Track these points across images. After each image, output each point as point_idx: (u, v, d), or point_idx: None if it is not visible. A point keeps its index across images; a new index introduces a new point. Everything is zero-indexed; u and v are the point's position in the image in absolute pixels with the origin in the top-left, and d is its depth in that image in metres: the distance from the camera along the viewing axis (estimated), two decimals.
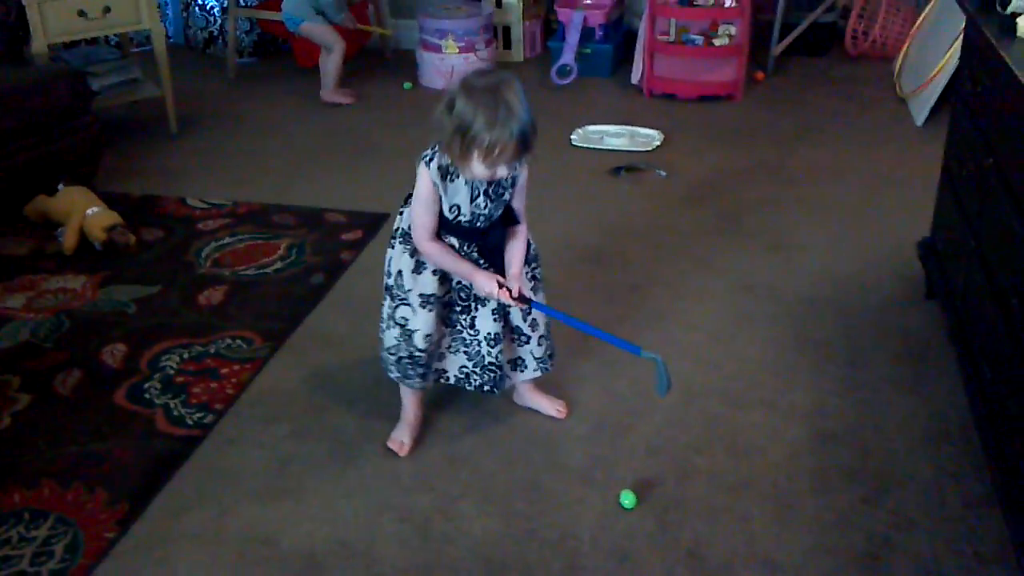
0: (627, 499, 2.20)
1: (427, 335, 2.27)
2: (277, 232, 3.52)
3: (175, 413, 2.54)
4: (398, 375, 2.37)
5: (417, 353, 2.30)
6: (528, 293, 2.22)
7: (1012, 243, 2.10)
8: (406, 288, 2.24)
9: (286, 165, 4.17)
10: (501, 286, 2.16)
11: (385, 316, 2.33)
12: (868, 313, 2.94)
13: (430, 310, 2.25)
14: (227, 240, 3.47)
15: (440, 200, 2.14)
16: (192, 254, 3.37)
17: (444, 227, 2.19)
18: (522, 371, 2.43)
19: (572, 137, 4.31)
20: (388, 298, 2.30)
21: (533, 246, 2.33)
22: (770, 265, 3.24)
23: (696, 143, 4.31)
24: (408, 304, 2.25)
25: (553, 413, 2.51)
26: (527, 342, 2.38)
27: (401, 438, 2.41)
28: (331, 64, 4.79)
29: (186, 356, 2.79)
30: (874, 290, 3.07)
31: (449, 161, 2.06)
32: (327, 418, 2.53)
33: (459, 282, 2.25)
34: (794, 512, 2.18)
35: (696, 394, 2.59)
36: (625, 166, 4.00)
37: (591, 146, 4.25)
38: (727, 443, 2.41)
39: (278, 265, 3.28)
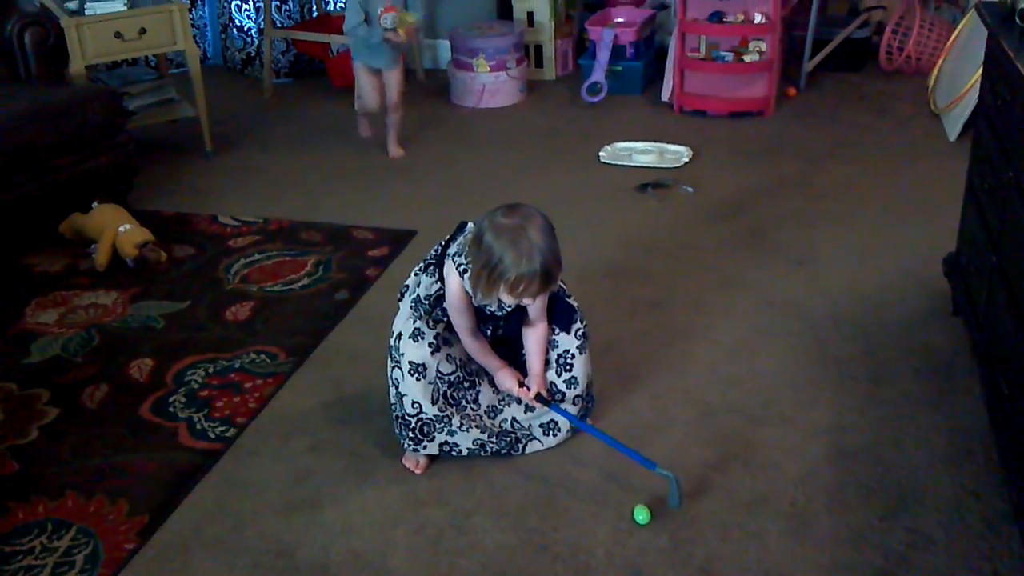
0: (641, 515, 2.19)
1: (415, 402, 2.30)
2: (305, 249, 3.56)
3: (198, 426, 2.58)
4: (397, 433, 2.40)
5: (408, 415, 2.32)
6: (545, 394, 2.36)
7: None
8: (400, 351, 2.29)
9: (317, 183, 4.23)
10: (522, 384, 2.32)
11: (388, 373, 2.38)
12: (892, 329, 2.91)
13: (418, 379, 2.27)
14: (256, 257, 3.52)
15: (471, 300, 2.23)
16: (221, 270, 3.43)
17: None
18: (554, 435, 2.45)
19: (600, 154, 4.32)
20: (389, 356, 2.36)
21: (579, 315, 2.41)
22: (795, 281, 3.22)
23: (725, 159, 4.30)
24: (400, 368, 2.29)
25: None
26: (561, 400, 2.42)
27: (417, 456, 2.43)
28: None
29: (211, 371, 2.83)
30: (899, 306, 3.04)
31: (473, 288, 2.16)
32: (346, 433, 2.55)
33: (461, 358, 2.34)
34: (810, 529, 2.16)
35: (715, 410, 2.58)
36: (653, 183, 4.01)
37: (619, 163, 4.26)
38: (744, 459, 2.39)
39: (305, 281, 3.32)
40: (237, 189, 4.18)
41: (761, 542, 2.13)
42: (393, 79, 4.36)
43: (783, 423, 2.52)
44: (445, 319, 2.31)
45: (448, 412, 2.33)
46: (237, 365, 2.85)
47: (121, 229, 3.44)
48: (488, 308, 2.27)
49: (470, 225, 2.26)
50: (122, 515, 2.27)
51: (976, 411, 2.51)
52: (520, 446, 2.43)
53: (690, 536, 2.15)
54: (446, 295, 2.25)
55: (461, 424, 2.35)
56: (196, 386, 2.76)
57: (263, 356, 2.89)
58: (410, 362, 2.27)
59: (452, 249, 2.24)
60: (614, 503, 2.26)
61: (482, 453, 2.41)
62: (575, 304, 2.41)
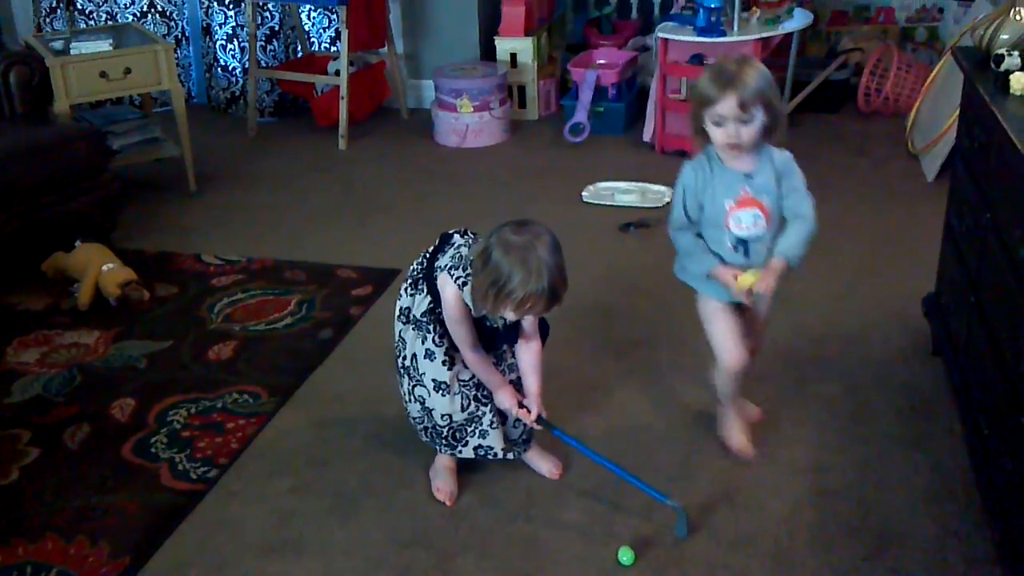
0: (625, 556, 2.19)
1: (444, 415, 2.34)
2: (288, 288, 3.56)
3: (180, 467, 2.57)
4: (427, 440, 2.44)
5: (440, 425, 2.36)
6: (545, 414, 2.36)
7: (1008, 298, 2.11)
8: (420, 371, 2.32)
9: (300, 222, 4.23)
10: (522, 406, 2.32)
11: (405, 392, 2.39)
12: (873, 368, 2.93)
13: (443, 395, 2.31)
14: (239, 296, 3.51)
15: (470, 312, 2.22)
16: (205, 310, 3.42)
17: None
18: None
19: (583, 193, 4.34)
20: (406, 376, 2.37)
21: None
22: (776, 320, 3.22)
23: None
24: (423, 386, 2.32)
25: (546, 473, 2.51)
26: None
27: (449, 488, 2.43)
28: None
29: (193, 410, 2.82)
30: (880, 345, 3.06)
31: (477, 303, 2.16)
32: (329, 473, 2.54)
33: None
34: (794, 568, 2.16)
35: (698, 449, 2.59)
36: (635, 222, 4.03)
37: (602, 202, 4.29)
38: (728, 498, 2.40)
39: (288, 320, 3.32)
40: (220, 228, 4.18)
41: None
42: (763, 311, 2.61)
43: (766, 462, 2.52)
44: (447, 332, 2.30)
45: (480, 411, 2.35)
46: (219, 405, 2.84)
47: (104, 268, 3.43)
48: (486, 321, 2.26)
49: (457, 237, 2.26)
50: (103, 557, 2.25)
51: (957, 450, 2.52)
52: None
53: None
54: (443, 308, 2.23)
55: (492, 423, 2.37)
56: (178, 426, 2.74)
57: (245, 396, 2.88)
58: (433, 380, 2.30)
59: (443, 262, 2.23)
60: (599, 543, 2.26)
61: (514, 452, 2.46)
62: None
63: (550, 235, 2.12)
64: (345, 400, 2.86)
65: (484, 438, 2.38)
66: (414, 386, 2.35)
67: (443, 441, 2.39)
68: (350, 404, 2.83)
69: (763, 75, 2.18)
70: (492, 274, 2.07)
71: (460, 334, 2.25)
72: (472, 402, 2.34)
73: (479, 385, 2.34)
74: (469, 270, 2.16)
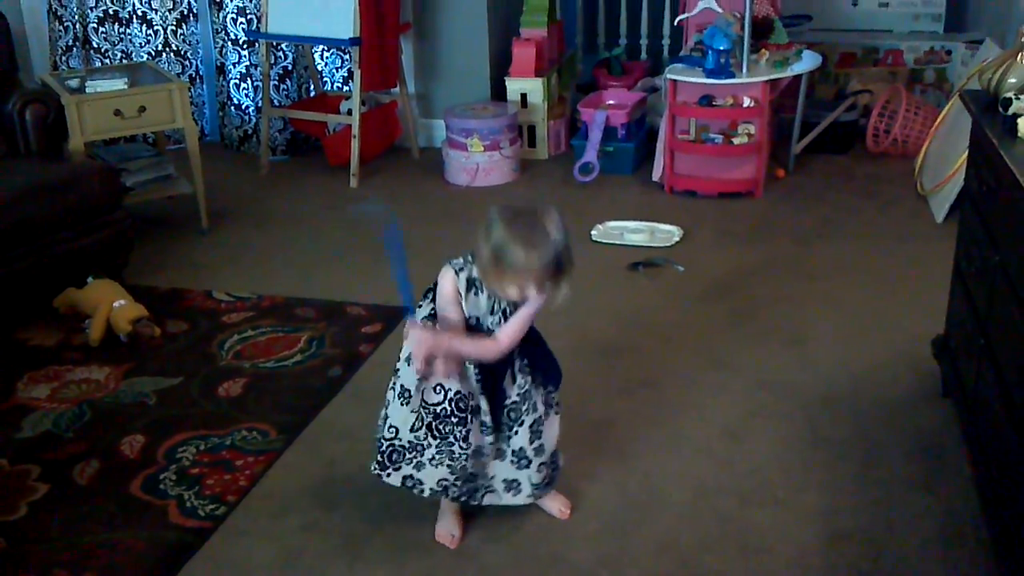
0: None
1: (392, 426, 2.30)
2: (298, 325, 3.57)
3: (188, 504, 2.57)
4: (371, 458, 2.36)
5: (384, 438, 2.31)
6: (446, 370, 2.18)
7: (1017, 341, 2.10)
8: (397, 374, 2.30)
9: (311, 259, 4.26)
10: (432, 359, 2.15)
11: None
12: (883, 411, 2.92)
13: (403, 404, 2.27)
14: (249, 333, 3.53)
15: (462, 303, 2.20)
16: (215, 346, 3.43)
17: None
18: (515, 494, 2.41)
19: (592, 233, 4.36)
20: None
21: (559, 373, 2.38)
22: (785, 362, 3.24)
23: (715, 239, 4.35)
24: (393, 389, 2.31)
25: (556, 513, 2.50)
26: (527, 466, 2.37)
27: (450, 531, 2.42)
28: None
29: (202, 447, 2.82)
30: (890, 387, 3.06)
31: (481, 277, 2.14)
32: (337, 512, 2.54)
33: (457, 392, 2.24)
34: None
35: (708, 491, 2.58)
36: (644, 261, 4.05)
37: (611, 242, 4.30)
38: (738, 542, 2.39)
39: (298, 357, 3.33)
40: (232, 265, 4.21)
41: None
42: None
43: (775, 505, 2.51)
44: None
45: (426, 443, 2.27)
46: (228, 442, 2.84)
47: (116, 304, 3.45)
48: (476, 318, 2.22)
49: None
50: None
51: (967, 493, 2.51)
52: (479, 495, 2.39)
53: None
54: (437, 296, 2.22)
55: (434, 458, 2.28)
56: (187, 463, 2.75)
57: (255, 433, 2.89)
58: (401, 386, 2.28)
59: (457, 262, 2.22)
60: None
61: (445, 495, 2.36)
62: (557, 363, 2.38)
63: (555, 210, 2.10)
64: (354, 438, 2.86)
65: (419, 470, 2.30)
66: (388, 389, 2.32)
67: (379, 457, 2.32)
68: (359, 442, 2.82)
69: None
70: (494, 244, 2.05)
71: (450, 318, 2.20)
72: (424, 428, 2.26)
73: (440, 417, 2.25)
74: (470, 259, 2.16)
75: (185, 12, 5.68)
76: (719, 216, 4.63)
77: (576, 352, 3.22)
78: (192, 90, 5.75)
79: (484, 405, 2.27)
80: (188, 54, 5.78)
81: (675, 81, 4.78)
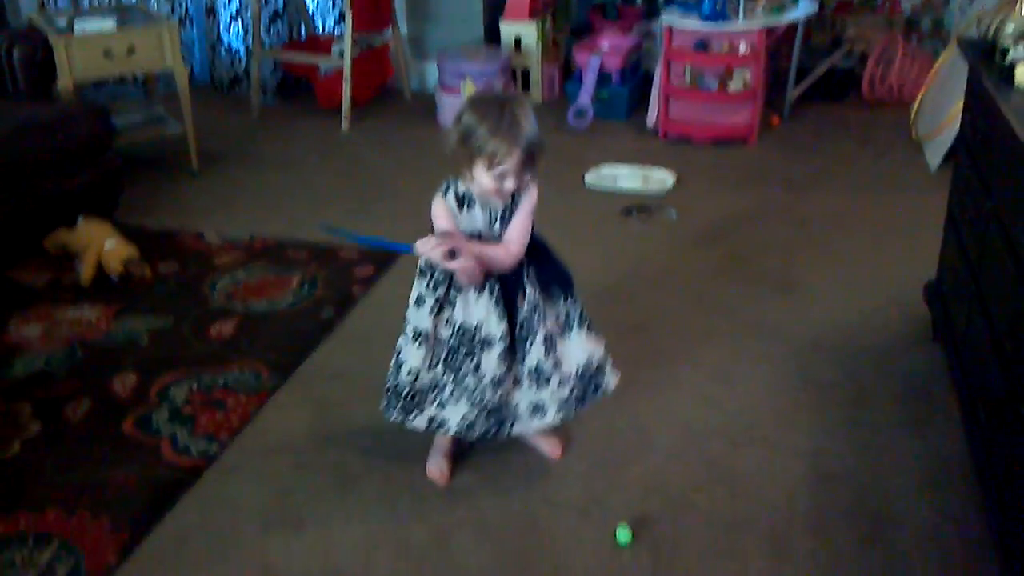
0: (623, 535, 2.21)
1: (410, 370, 2.30)
2: (290, 267, 3.57)
3: (181, 443, 2.58)
4: (384, 407, 2.37)
5: (403, 383, 2.32)
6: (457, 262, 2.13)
7: (1008, 286, 2.11)
8: (407, 319, 2.30)
9: (303, 202, 4.24)
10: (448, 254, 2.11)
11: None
12: (873, 355, 2.94)
13: (419, 346, 2.28)
14: (241, 274, 3.52)
15: (456, 225, 2.19)
16: (206, 287, 3.43)
17: None
18: (541, 417, 2.33)
19: (586, 178, 4.35)
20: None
21: (571, 279, 2.35)
22: (777, 307, 3.25)
23: (709, 186, 4.33)
24: (405, 334, 2.30)
25: (546, 452, 2.52)
26: (546, 383, 2.31)
27: (439, 466, 2.44)
28: None
29: (195, 387, 2.83)
30: (881, 332, 3.07)
31: (464, 188, 2.15)
32: (329, 451, 2.55)
33: (463, 324, 2.24)
34: (790, 551, 2.18)
35: (697, 433, 2.60)
36: (637, 207, 4.04)
37: (604, 187, 4.29)
38: (726, 482, 2.41)
39: (290, 299, 3.33)
40: (223, 207, 4.18)
41: (741, 564, 2.15)
42: None
43: (764, 446, 2.53)
44: (446, 282, 2.24)
45: (444, 379, 2.28)
46: (221, 382, 2.85)
47: (106, 244, 3.44)
48: (479, 232, 2.19)
49: None
50: (104, 530, 2.26)
51: (955, 436, 2.53)
52: (506, 426, 2.34)
53: (671, 557, 2.17)
54: (434, 225, 2.20)
55: (453, 392, 2.28)
56: (179, 402, 2.75)
57: (247, 373, 2.89)
58: (414, 328, 2.28)
59: (441, 187, 2.23)
60: (596, 523, 2.27)
61: (469, 436, 2.34)
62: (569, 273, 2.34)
63: (524, 98, 2.11)
64: (346, 378, 2.87)
65: (442, 409, 2.31)
66: (401, 334, 2.32)
67: (400, 403, 2.32)
68: (351, 382, 2.84)
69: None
70: (463, 128, 2.06)
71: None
72: (441, 363, 2.27)
73: (453, 351, 2.26)
74: (451, 182, 2.18)
75: None
76: (713, 163, 4.62)
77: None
78: (181, 31, 5.68)
79: (499, 331, 2.24)
80: None
81: (671, 26, 4.73)
